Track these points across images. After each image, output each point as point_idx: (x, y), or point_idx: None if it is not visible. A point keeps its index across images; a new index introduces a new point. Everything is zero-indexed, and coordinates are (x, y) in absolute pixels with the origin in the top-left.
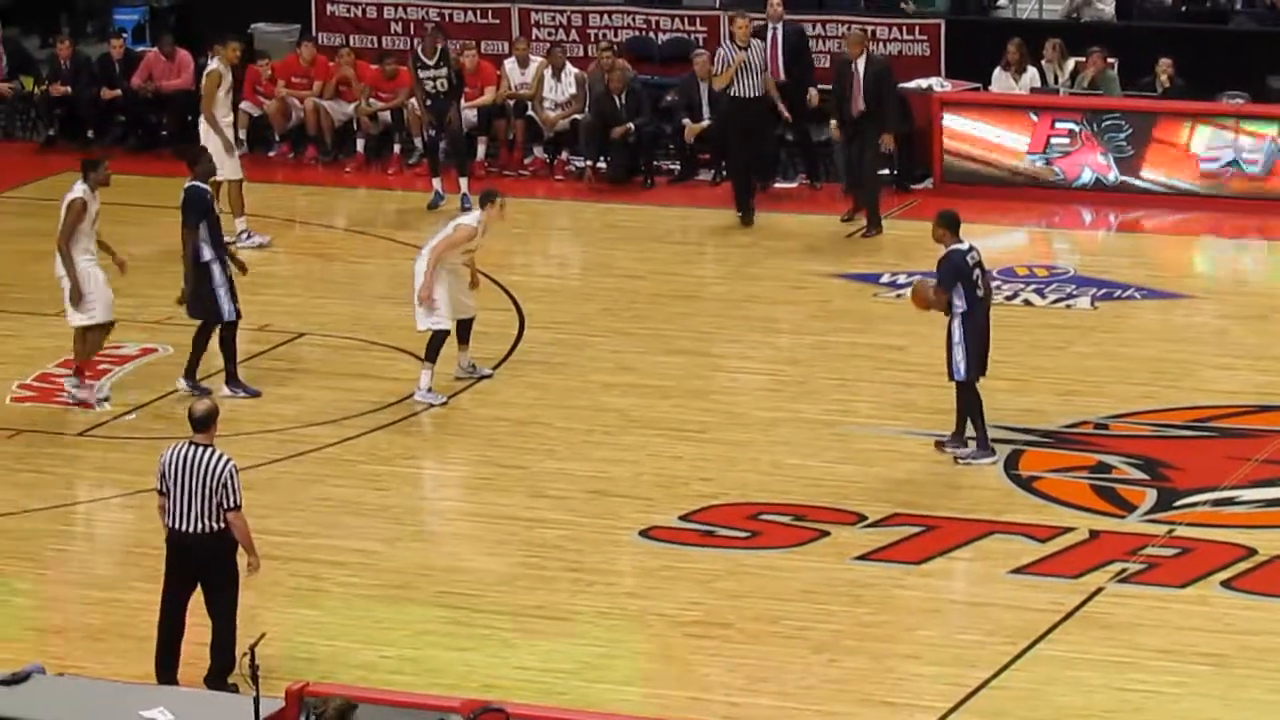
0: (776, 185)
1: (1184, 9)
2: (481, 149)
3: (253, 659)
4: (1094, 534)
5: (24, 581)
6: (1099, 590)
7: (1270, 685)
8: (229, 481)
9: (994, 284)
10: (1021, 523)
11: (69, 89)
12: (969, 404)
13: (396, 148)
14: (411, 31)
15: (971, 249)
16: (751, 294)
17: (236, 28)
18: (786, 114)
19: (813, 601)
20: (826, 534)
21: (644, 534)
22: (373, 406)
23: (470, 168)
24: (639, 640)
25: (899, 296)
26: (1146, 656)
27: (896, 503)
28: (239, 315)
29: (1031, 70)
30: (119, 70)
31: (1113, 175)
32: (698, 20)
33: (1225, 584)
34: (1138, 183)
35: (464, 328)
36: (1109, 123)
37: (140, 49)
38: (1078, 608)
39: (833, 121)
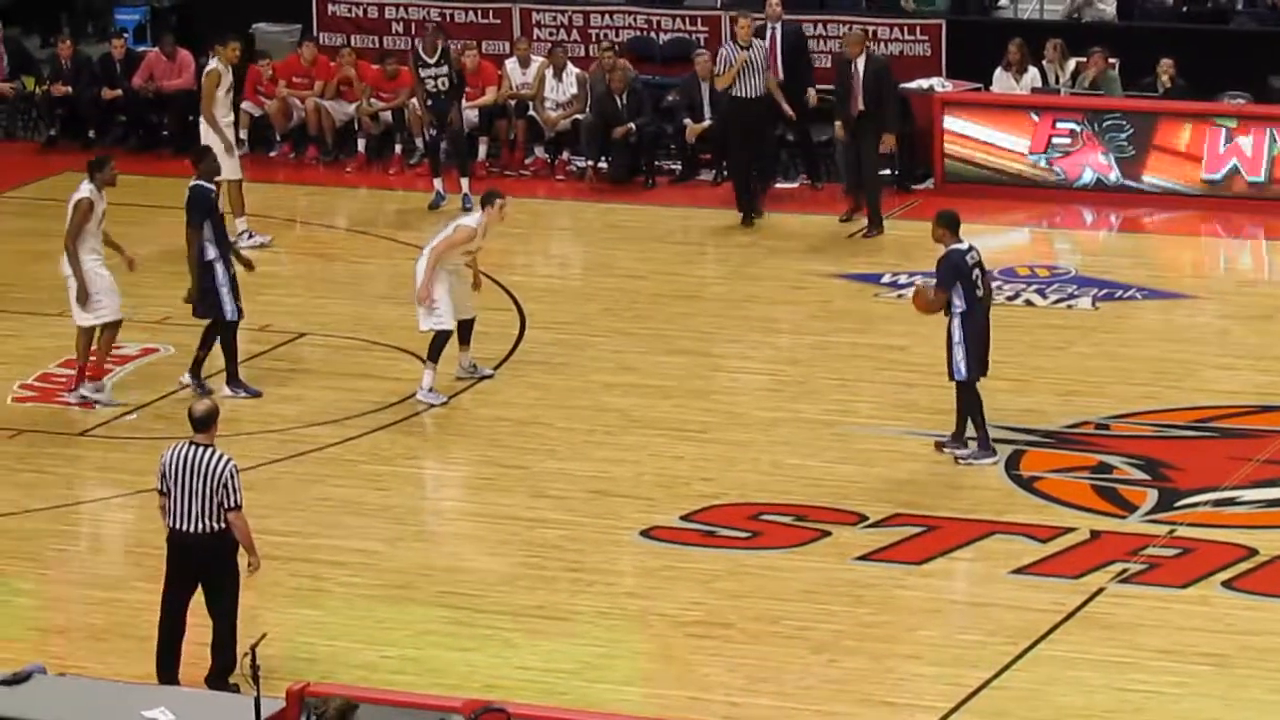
0: (777, 185)
1: (1185, 9)
2: (483, 149)
3: (254, 659)
4: (1095, 534)
5: (25, 581)
6: (1100, 590)
7: (1271, 685)
8: (229, 481)
9: (995, 284)
10: (1022, 523)
11: (70, 89)
12: (969, 404)
13: (398, 148)
14: (413, 31)
15: (971, 249)
16: (752, 294)
17: (237, 28)
18: (790, 112)
19: (813, 602)
20: (827, 534)
21: (645, 534)
22: (374, 406)
23: (471, 168)
24: (639, 640)
25: (900, 297)
26: (1147, 657)
27: (897, 503)
28: (240, 315)
29: (1032, 70)
30: (120, 70)
31: (1114, 175)
32: (699, 20)
33: (1226, 584)
34: (1139, 183)
35: (465, 328)
36: (1110, 123)
37: (141, 49)
38: (1079, 608)
39: (837, 122)
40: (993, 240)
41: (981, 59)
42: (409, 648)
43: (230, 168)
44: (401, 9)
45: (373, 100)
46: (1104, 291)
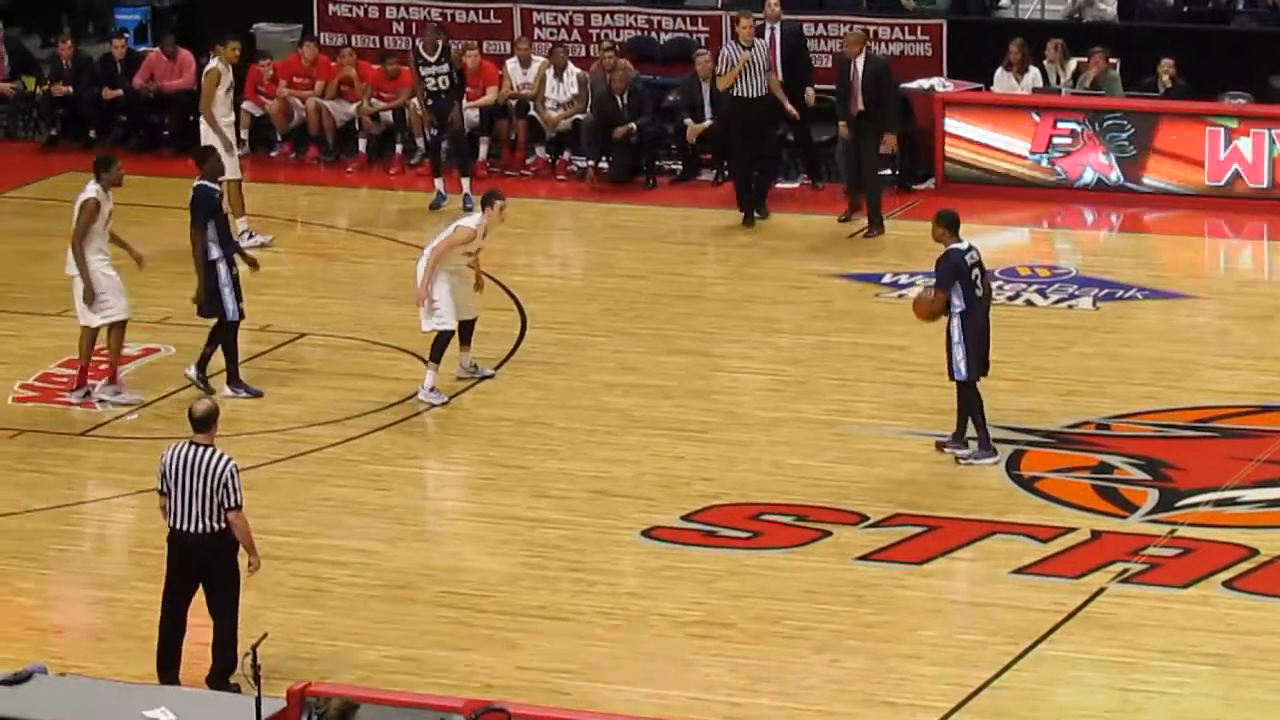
0: (777, 185)
1: (1186, 9)
2: (484, 149)
3: (254, 659)
4: (1096, 534)
5: (26, 581)
6: (1101, 590)
7: (1272, 685)
8: (229, 481)
9: (996, 284)
10: (1023, 523)
11: (71, 89)
12: (970, 404)
13: (398, 148)
14: (413, 31)
15: (971, 248)
16: (753, 294)
17: (238, 27)
18: (794, 111)
19: (814, 602)
20: (828, 534)
21: (646, 534)
22: (374, 406)
23: (472, 168)
24: (641, 640)
25: (901, 297)
26: (1148, 657)
27: (898, 503)
28: (242, 315)
29: (1033, 70)
30: (121, 70)
31: (1115, 175)
32: (700, 20)
33: (1227, 584)
34: (1139, 183)
35: (466, 328)
36: (1111, 123)
37: (142, 49)
38: (1079, 608)
39: (841, 122)
40: (994, 240)
41: (982, 59)
42: (410, 648)
43: (230, 167)
44: (402, 9)
45: (373, 100)
46: (1105, 291)
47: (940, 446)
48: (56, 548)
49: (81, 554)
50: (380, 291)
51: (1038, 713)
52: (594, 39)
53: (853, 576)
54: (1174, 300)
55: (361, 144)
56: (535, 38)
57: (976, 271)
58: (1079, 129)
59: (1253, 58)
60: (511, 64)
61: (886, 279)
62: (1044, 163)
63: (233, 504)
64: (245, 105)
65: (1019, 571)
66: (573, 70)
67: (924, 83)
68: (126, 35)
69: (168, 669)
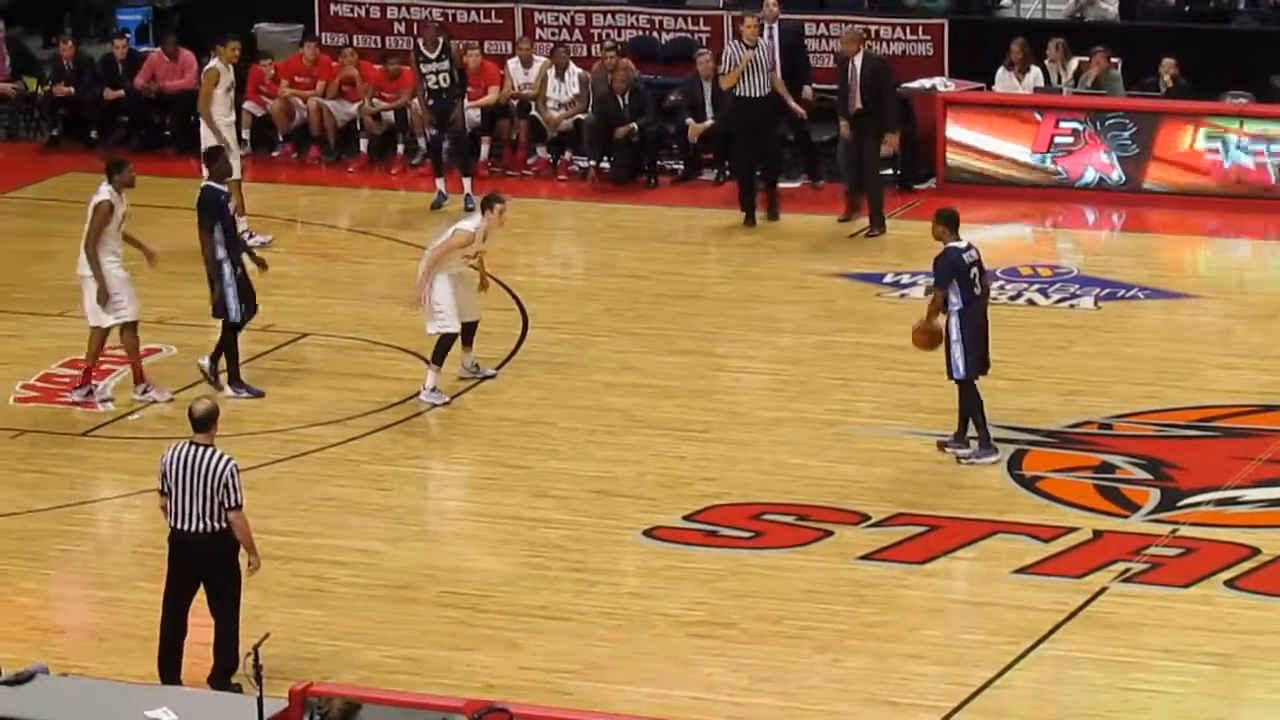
0: (779, 185)
1: (1187, 9)
2: (485, 149)
3: (256, 659)
4: (1097, 534)
5: (28, 581)
6: (1103, 590)
7: (1274, 685)
8: (230, 481)
9: (997, 284)
10: (1025, 522)
11: (72, 89)
12: (970, 403)
13: (400, 148)
14: (415, 31)
15: (970, 247)
16: (754, 294)
17: (240, 28)
18: (799, 110)
19: (816, 601)
20: (830, 534)
21: (647, 534)
22: (376, 406)
23: (474, 168)
24: (642, 640)
25: (903, 297)
26: (1150, 656)
27: (900, 502)
28: (255, 312)
29: (1035, 70)
30: (122, 70)
31: (1116, 175)
32: (701, 20)
33: (1229, 584)
34: (1141, 182)
35: (468, 329)
36: (1112, 122)
37: (143, 49)
38: (1081, 607)
39: (843, 121)
40: (995, 240)
41: (984, 58)
42: (411, 647)
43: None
44: (403, 9)
45: (375, 100)
46: (1106, 291)
47: (942, 446)
48: (58, 548)
49: (83, 554)
50: (382, 292)
51: (1040, 712)
52: (595, 39)
53: (854, 576)
54: (1176, 300)
55: (363, 144)
56: (537, 37)
57: (975, 270)
58: (1080, 128)
59: (1254, 57)
60: (513, 64)
61: (888, 279)
62: (1046, 162)
63: (233, 504)
64: (247, 105)
65: (1021, 571)
66: (574, 70)
67: (925, 82)
68: (128, 35)
69: (169, 669)
